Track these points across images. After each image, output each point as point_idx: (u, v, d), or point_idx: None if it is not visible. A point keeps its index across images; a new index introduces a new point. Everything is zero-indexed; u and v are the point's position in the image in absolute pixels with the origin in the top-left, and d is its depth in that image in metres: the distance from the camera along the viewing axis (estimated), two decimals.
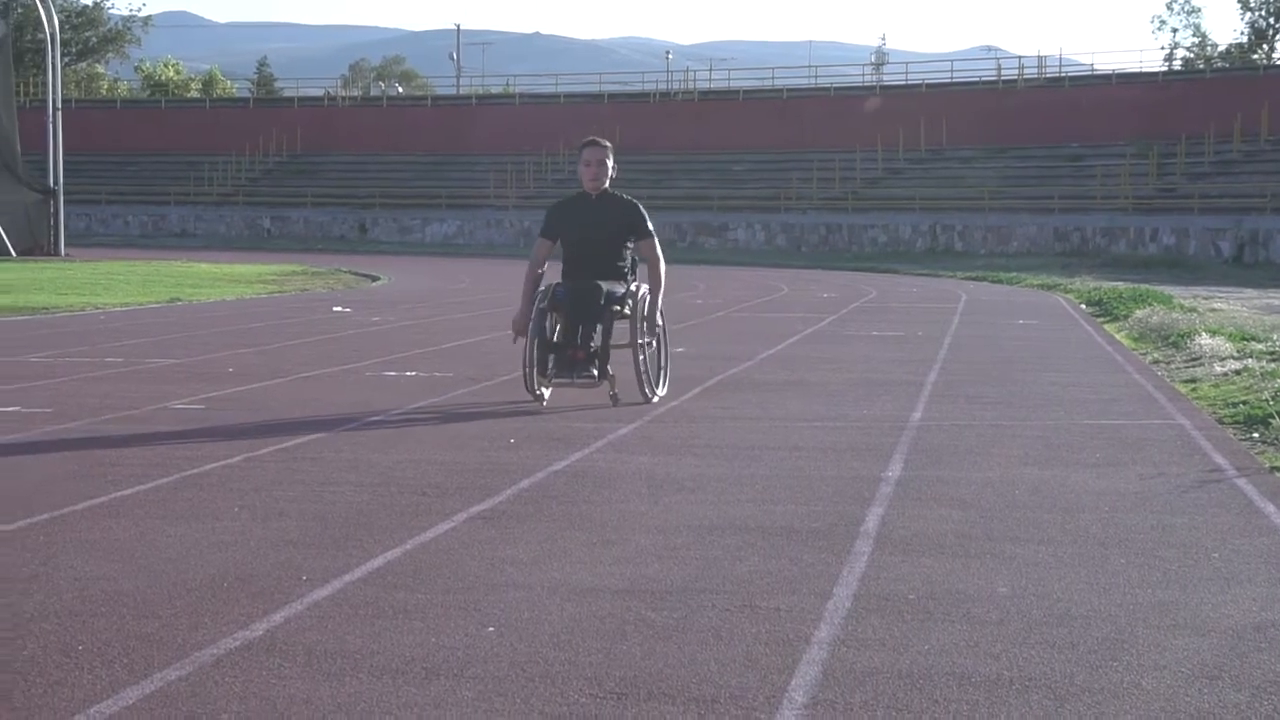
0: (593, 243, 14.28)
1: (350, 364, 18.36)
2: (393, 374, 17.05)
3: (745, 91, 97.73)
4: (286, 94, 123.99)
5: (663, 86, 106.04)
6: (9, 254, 61.48)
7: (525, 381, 13.94)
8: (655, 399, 14.25)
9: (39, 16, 74.37)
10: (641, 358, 14.12)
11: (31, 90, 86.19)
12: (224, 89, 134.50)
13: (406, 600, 6.92)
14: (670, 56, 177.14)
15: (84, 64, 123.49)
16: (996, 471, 10.74)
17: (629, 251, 14.48)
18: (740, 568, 7.64)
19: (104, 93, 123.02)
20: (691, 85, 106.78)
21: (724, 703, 5.49)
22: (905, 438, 12.37)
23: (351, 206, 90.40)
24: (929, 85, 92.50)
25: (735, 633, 6.41)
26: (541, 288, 14.10)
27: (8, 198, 65.08)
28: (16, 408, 13.89)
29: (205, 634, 6.29)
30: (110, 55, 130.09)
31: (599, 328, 13.89)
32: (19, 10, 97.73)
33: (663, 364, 14.81)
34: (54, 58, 70.86)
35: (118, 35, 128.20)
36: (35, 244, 65.12)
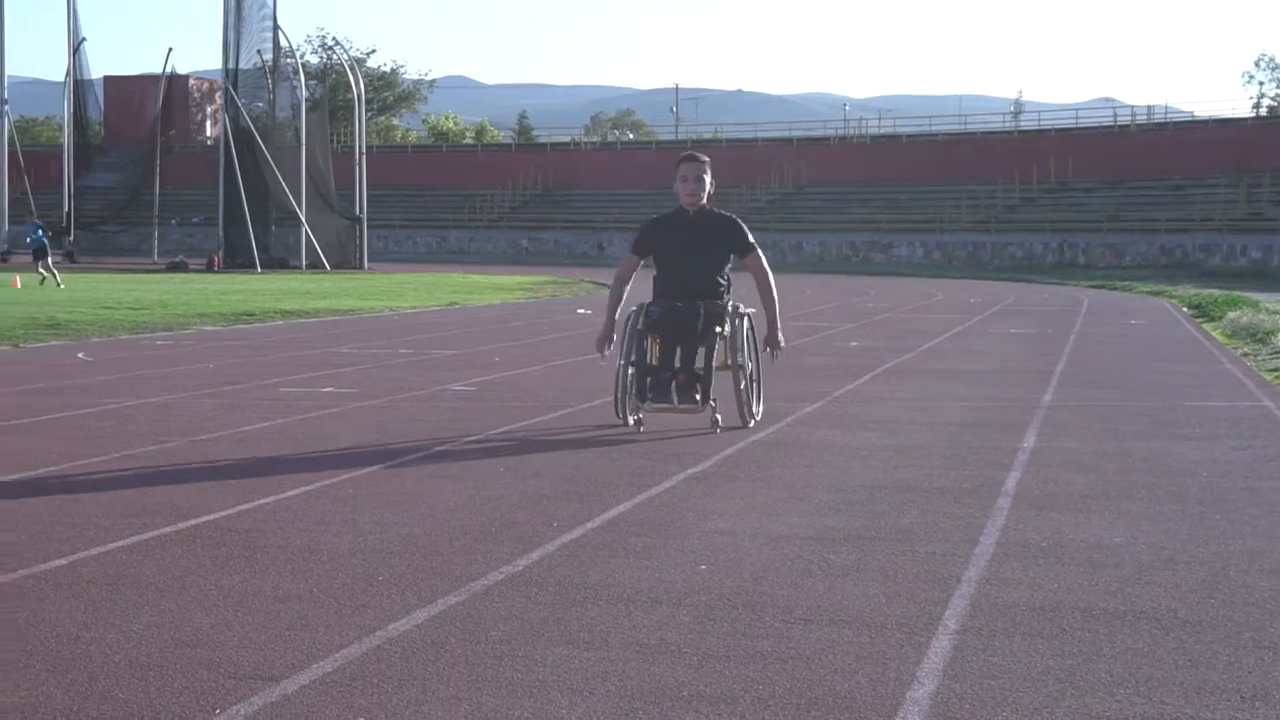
0: (690, 260, 11.34)
1: (592, 355, 18.45)
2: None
3: (908, 136, 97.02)
4: (541, 140, 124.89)
5: (841, 132, 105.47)
6: (325, 267, 62.54)
7: (616, 407, 11.09)
8: (753, 422, 11.33)
9: (349, 81, 75.59)
10: (742, 383, 11.32)
11: (342, 139, 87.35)
12: (492, 137, 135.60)
13: (635, 543, 6.95)
14: (847, 108, 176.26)
15: (383, 118, 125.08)
16: (1113, 443, 10.58)
17: (727, 270, 11.54)
18: (903, 520, 7.60)
19: (398, 140, 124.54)
20: (864, 131, 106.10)
21: (890, 629, 5.46)
22: (1038, 415, 12.24)
23: (592, 230, 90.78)
24: (1058, 130, 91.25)
25: (899, 572, 6.38)
26: (633, 307, 11.35)
27: (324, 223, 66.39)
28: (330, 388, 14.12)
29: (477, 568, 6.36)
30: (403, 111, 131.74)
31: (700, 350, 11.05)
32: (333, 75, 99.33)
33: (758, 383, 11.78)
34: (360, 113, 72.06)
35: (409, 95, 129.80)
36: (344, 260, 66.34)
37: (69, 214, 75.10)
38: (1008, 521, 7.57)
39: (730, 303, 11.39)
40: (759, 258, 11.49)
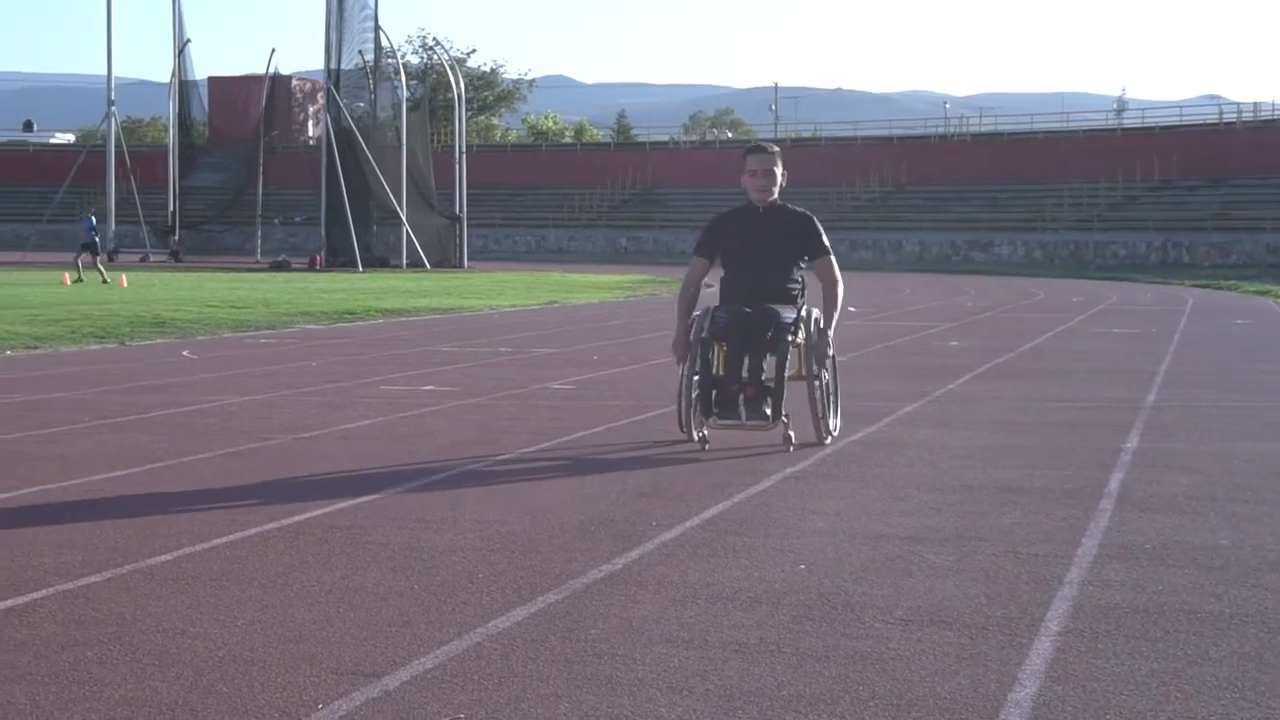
0: (760, 261, 10.24)
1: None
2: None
3: (1009, 134, 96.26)
4: (640, 139, 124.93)
5: (941, 130, 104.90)
6: (425, 266, 62.89)
7: (679, 421, 10.08)
8: (830, 439, 10.21)
9: (449, 81, 75.94)
10: (817, 390, 10.12)
11: (442, 138, 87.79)
12: (591, 136, 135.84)
13: (734, 542, 6.94)
14: (948, 106, 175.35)
15: (482, 117, 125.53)
16: (1218, 444, 10.47)
17: (800, 272, 10.39)
18: (1004, 520, 7.55)
19: (497, 140, 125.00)
20: (965, 129, 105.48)
21: (992, 630, 5.43)
22: (1141, 416, 12.13)
23: (690, 229, 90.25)
24: (1162, 127, 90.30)
25: (1000, 573, 6.34)
26: (697, 311, 10.27)
27: (424, 222, 66.75)
28: (431, 386, 14.20)
29: (576, 566, 6.37)
30: (503, 110, 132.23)
31: (770, 359, 9.91)
32: (434, 75, 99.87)
33: (835, 398, 10.61)
34: (460, 113, 72.40)
35: (509, 94, 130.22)
36: (445, 258, 66.66)
37: (174, 214, 75.96)
38: (1110, 523, 7.51)
39: (805, 307, 10.24)
40: (831, 263, 10.41)
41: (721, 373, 9.96)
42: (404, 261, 63.69)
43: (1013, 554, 6.73)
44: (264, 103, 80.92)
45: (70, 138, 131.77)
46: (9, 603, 5.72)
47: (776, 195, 10.39)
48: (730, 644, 5.22)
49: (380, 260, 64.62)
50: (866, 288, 44.42)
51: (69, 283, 39.95)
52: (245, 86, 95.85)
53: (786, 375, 9.83)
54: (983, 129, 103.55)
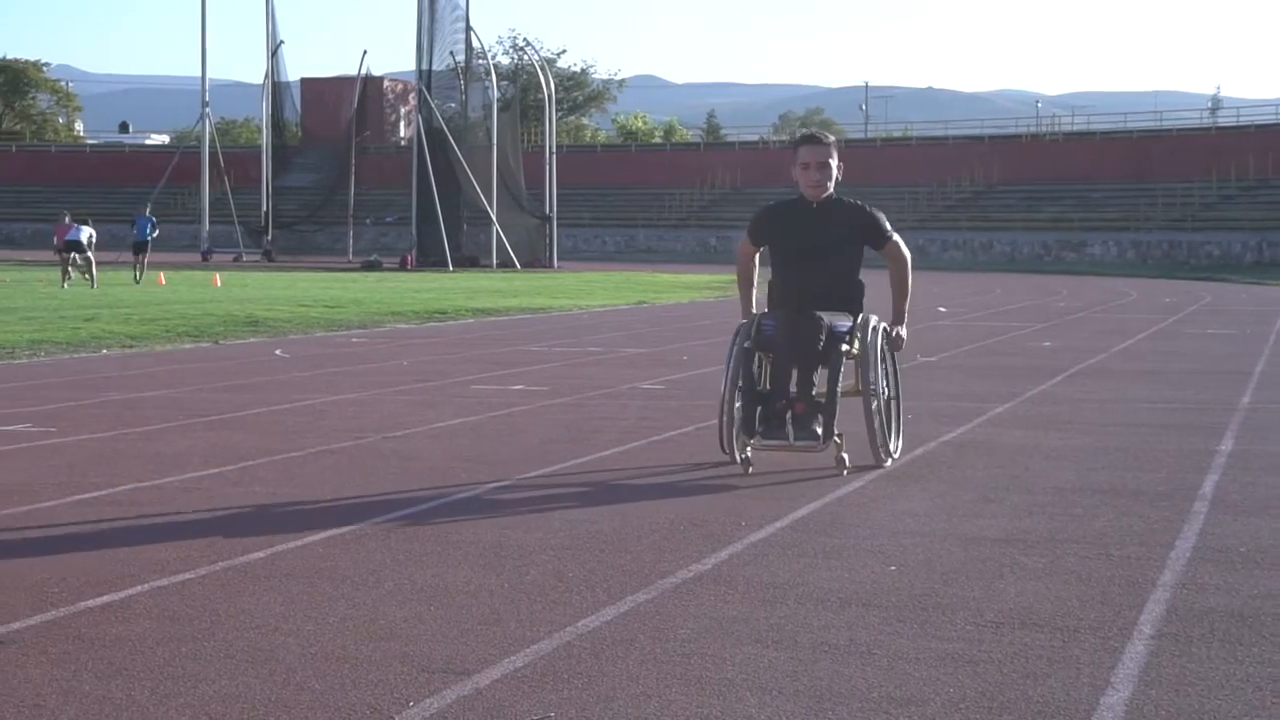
0: (812, 262, 9.22)
1: None
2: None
3: (1101, 133, 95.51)
4: (729, 139, 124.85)
5: (1033, 129, 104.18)
6: (515, 266, 63.12)
7: (721, 440, 9.06)
8: (890, 462, 9.17)
9: (539, 81, 76.19)
10: (874, 405, 9.05)
11: (532, 139, 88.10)
12: (681, 136, 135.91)
13: (825, 543, 6.93)
14: (1039, 105, 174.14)
15: (572, 118, 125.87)
16: None
17: (859, 274, 9.48)
18: (1097, 523, 7.49)
19: (587, 140, 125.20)
20: (1057, 128, 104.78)
21: (1084, 633, 5.39)
22: (1236, 417, 12.00)
23: None
24: (1257, 126, 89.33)
25: (1093, 576, 6.29)
26: (742, 320, 9.37)
27: (514, 222, 67.03)
28: (521, 385, 14.24)
29: (666, 565, 6.38)
30: (593, 110, 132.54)
31: (822, 371, 8.96)
32: (524, 76, 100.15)
33: (897, 416, 9.57)
34: (550, 113, 72.79)
35: (599, 95, 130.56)
36: (534, 258, 66.92)
37: (267, 214, 76.53)
38: (1205, 526, 7.43)
39: (864, 314, 9.28)
40: (898, 244, 9.47)
41: (768, 388, 9.00)
42: (494, 261, 63.94)
43: (1105, 556, 6.68)
44: (356, 104, 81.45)
45: (165, 139, 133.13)
46: (105, 599, 5.78)
47: (832, 190, 9.25)
48: (820, 645, 5.21)
49: (470, 260, 64.92)
50: (958, 288, 44.22)
51: (163, 282, 40.32)
52: (337, 88, 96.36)
53: (840, 390, 8.80)
54: (1075, 128, 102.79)
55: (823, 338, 8.88)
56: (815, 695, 4.64)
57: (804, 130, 9.78)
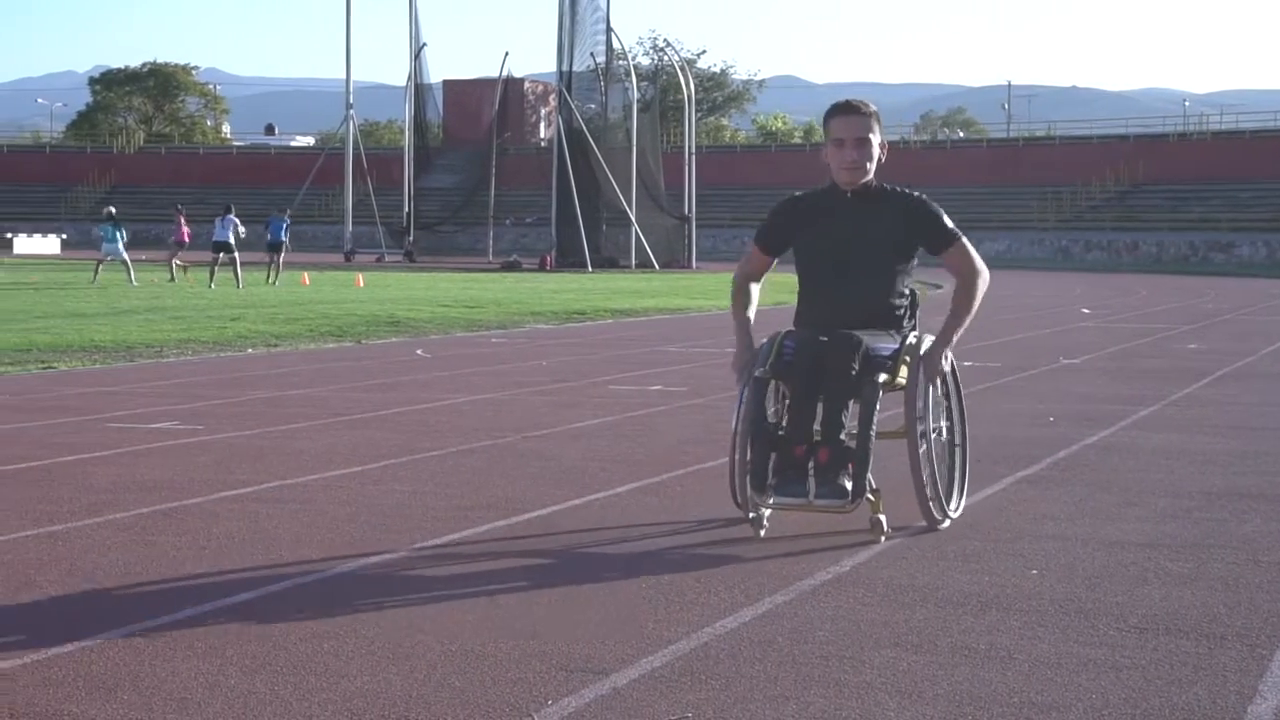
0: (846, 266, 7.18)
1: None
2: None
3: (1251, 131, 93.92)
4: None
5: (1180, 128, 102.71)
6: (653, 266, 63.25)
7: (733, 492, 7.02)
8: (947, 523, 7.23)
9: (679, 82, 76.21)
10: (923, 450, 7.06)
11: (671, 139, 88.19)
12: (821, 136, 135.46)
13: (964, 546, 6.87)
14: (1186, 104, 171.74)
15: (712, 118, 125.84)
16: None
17: (909, 282, 7.37)
18: (1245, 528, 7.38)
19: (726, 140, 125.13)
20: (1205, 127, 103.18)
21: (1230, 640, 5.31)
22: None
23: None
24: None
25: (1240, 582, 6.20)
26: (764, 339, 7.32)
27: (653, 222, 67.14)
28: (659, 386, 14.26)
29: (804, 567, 6.36)
30: (732, 111, 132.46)
31: (852, 408, 6.91)
32: (664, 77, 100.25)
33: (960, 463, 7.59)
34: (690, 114, 72.70)
35: (738, 95, 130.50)
36: (673, 259, 67.01)
37: (408, 215, 77.24)
38: None
39: (912, 333, 7.30)
40: (965, 249, 7.30)
41: (785, 429, 6.97)
42: (633, 262, 64.11)
43: (1254, 562, 6.58)
44: (497, 105, 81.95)
45: (310, 141, 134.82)
46: (250, 595, 5.86)
47: (872, 174, 7.21)
48: (960, 649, 5.17)
49: (609, 260, 65.13)
50: (1101, 289, 43.71)
51: (307, 282, 40.81)
52: (479, 89, 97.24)
53: (873, 433, 6.79)
54: (1224, 126, 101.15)
55: (856, 364, 6.84)
56: (954, 700, 4.61)
57: (839, 100, 6.96)
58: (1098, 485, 8.64)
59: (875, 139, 7.12)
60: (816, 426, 6.87)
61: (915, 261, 7.33)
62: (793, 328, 7.38)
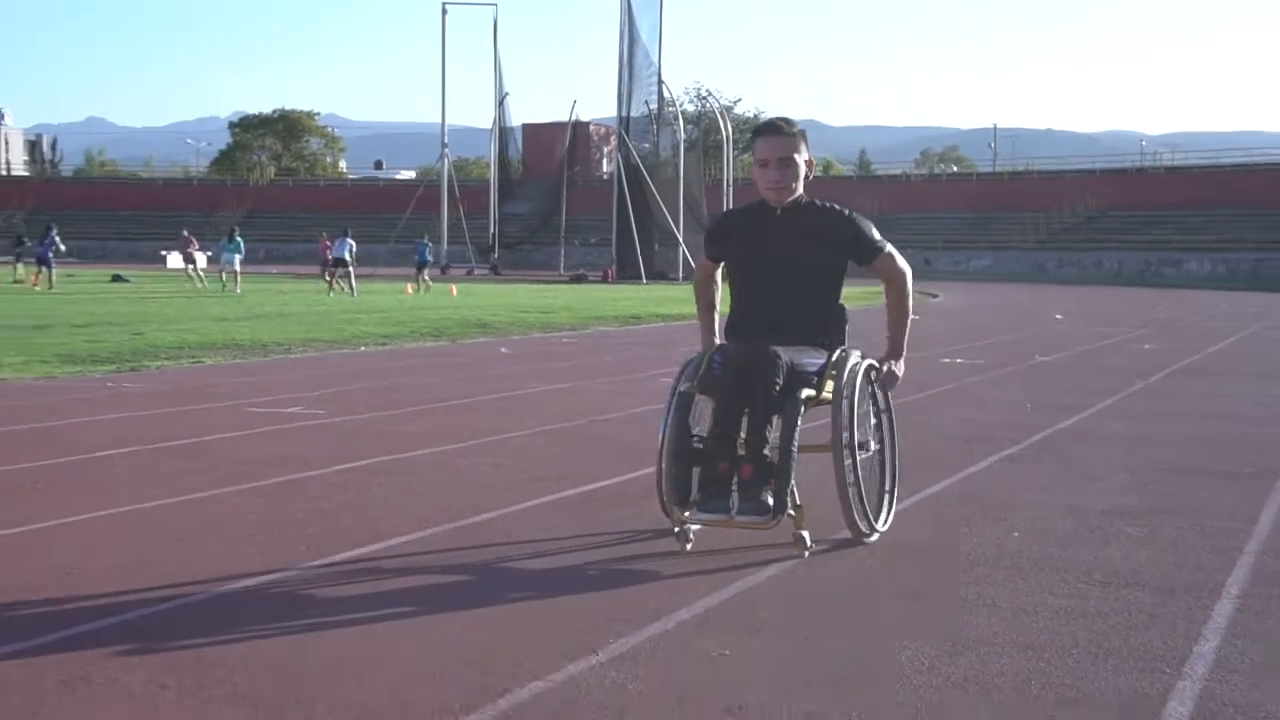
0: (774, 281, 6.15)
1: (917, 351, 18.21)
2: (945, 359, 16.87)
3: (1198, 168, 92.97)
4: (878, 173, 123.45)
5: (1138, 164, 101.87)
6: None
7: (661, 501, 6.00)
8: (875, 536, 6.11)
9: (719, 125, 76.22)
10: (848, 464, 5.97)
11: (712, 172, 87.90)
12: (836, 170, 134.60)
13: (956, 512, 6.87)
14: (1143, 144, 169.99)
15: (746, 155, 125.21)
16: None
17: (839, 297, 6.40)
18: (1192, 499, 7.34)
19: None
20: (1159, 164, 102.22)
21: (1179, 593, 5.29)
22: None
23: (920, 249, 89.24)
24: None
25: (1187, 544, 6.17)
26: (690, 356, 6.18)
27: (697, 242, 66.07)
28: None
29: (829, 528, 6.33)
30: None
31: (776, 424, 5.81)
32: (706, 120, 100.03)
33: (889, 478, 6.47)
34: (728, 152, 73.02)
35: None
36: None
37: (493, 236, 77.59)
38: None
39: (842, 349, 6.24)
40: (892, 257, 6.33)
41: (707, 444, 5.84)
42: (680, 275, 63.98)
43: (1198, 527, 6.55)
44: (567, 144, 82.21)
45: (412, 174, 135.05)
46: (364, 549, 5.90)
47: (800, 191, 6.21)
48: (952, 598, 5.17)
49: (660, 274, 65.11)
50: (1071, 299, 43.41)
51: (410, 292, 40.97)
52: (552, 131, 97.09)
53: (796, 448, 5.70)
54: (1174, 163, 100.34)
55: (780, 380, 5.76)
56: (950, 640, 4.61)
57: (767, 119, 6.31)
58: (1068, 463, 8.61)
59: (800, 157, 6.12)
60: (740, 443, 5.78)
61: (844, 276, 6.35)
62: (720, 344, 6.23)
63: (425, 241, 46.28)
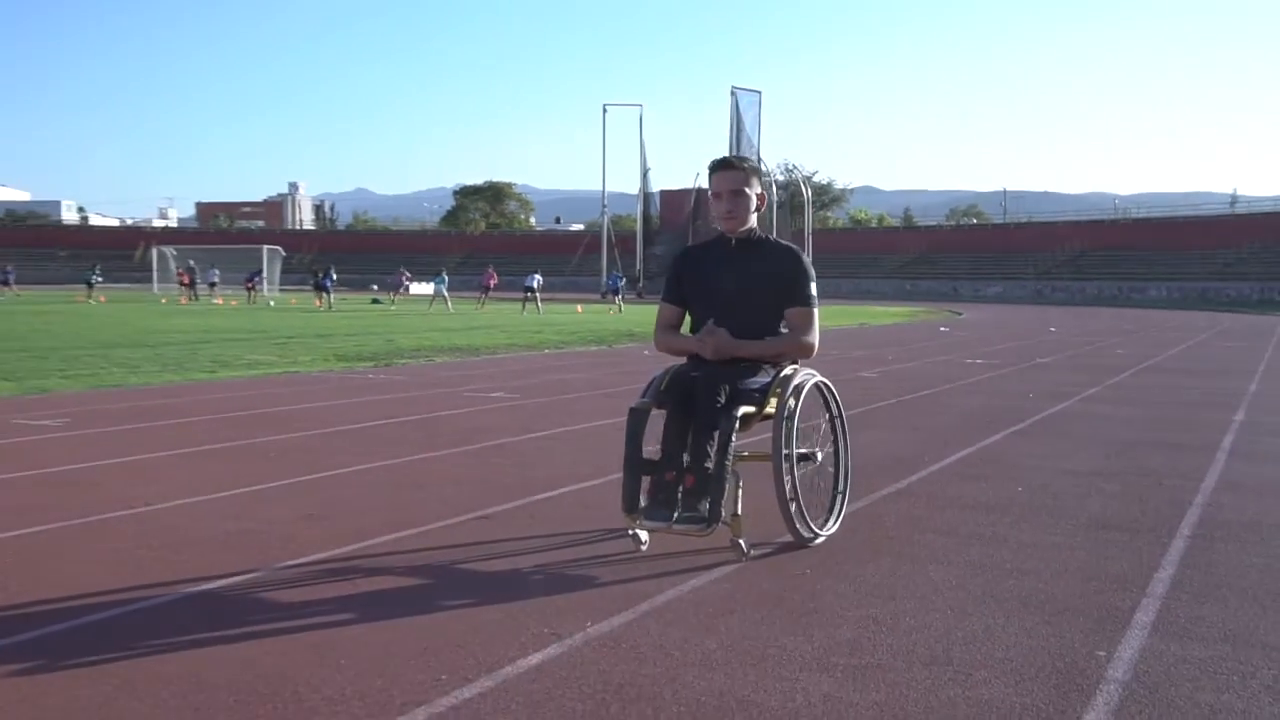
0: (731, 308, 4.87)
1: (948, 355, 17.93)
2: (968, 360, 16.55)
3: (1157, 219, 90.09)
4: (919, 224, 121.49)
5: (1112, 217, 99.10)
6: None
7: (624, 505, 4.66)
8: (820, 539, 4.87)
9: (802, 190, 75.66)
10: (789, 481, 4.75)
11: (795, 224, 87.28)
12: (887, 222, 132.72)
13: (977, 471, 6.73)
14: (1116, 201, 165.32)
15: (821, 212, 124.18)
16: None
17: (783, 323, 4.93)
18: (1152, 462, 7.13)
19: (830, 225, 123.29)
20: (1129, 216, 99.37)
21: (1143, 533, 5.14)
22: (1246, 399, 11.26)
23: (950, 279, 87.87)
24: (1264, 213, 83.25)
25: (1150, 496, 6.00)
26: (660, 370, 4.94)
27: None
28: None
29: (877, 484, 6.25)
30: (833, 207, 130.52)
31: (716, 440, 4.54)
32: (792, 186, 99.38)
33: (842, 478, 5.19)
34: (808, 211, 72.11)
35: (838, 198, 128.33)
36: None
37: (639, 270, 77.86)
38: (1225, 467, 7.01)
39: (793, 368, 5.01)
40: (810, 315, 4.96)
41: (659, 456, 4.69)
42: None
43: (1158, 485, 6.35)
44: (692, 204, 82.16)
45: (580, 226, 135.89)
46: (547, 494, 5.92)
47: (753, 224, 5.00)
48: (974, 535, 5.07)
49: None
50: (1061, 317, 42.36)
51: (580, 311, 41.22)
52: (681, 195, 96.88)
53: (730, 461, 4.53)
54: (1140, 215, 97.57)
55: (722, 398, 4.62)
56: (970, 566, 4.53)
57: (721, 156, 4.91)
58: (1060, 436, 8.40)
59: (751, 191, 4.90)
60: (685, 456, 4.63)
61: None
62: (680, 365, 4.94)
63: (618, 274, 46.64)
